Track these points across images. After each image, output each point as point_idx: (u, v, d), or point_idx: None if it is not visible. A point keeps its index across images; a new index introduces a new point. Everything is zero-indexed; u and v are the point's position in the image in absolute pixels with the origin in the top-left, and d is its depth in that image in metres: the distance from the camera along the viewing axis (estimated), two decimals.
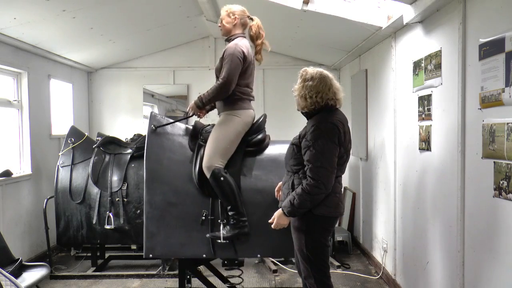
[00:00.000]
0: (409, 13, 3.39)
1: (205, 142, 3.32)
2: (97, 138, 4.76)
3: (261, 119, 3.46)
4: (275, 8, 4.40)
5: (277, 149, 3.43)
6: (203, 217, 3.26)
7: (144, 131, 5.84)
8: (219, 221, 3.25)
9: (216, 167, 3.19)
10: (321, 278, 2.72)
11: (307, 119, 2.77)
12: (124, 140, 5.00)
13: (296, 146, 2.73)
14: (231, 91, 3.22)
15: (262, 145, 3.41)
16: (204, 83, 6.61)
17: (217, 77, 3.30)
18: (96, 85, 6.81)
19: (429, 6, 3.06)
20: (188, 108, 3.39)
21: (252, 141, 3.38)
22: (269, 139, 3.49)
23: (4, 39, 4.44)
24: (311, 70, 2.74)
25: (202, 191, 3.29)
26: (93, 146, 4.60)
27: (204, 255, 3.31)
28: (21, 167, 4.95)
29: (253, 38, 3.38)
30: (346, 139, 2.69)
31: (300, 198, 2.58)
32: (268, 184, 3.29)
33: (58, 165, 4.55)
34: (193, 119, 3.67)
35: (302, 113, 2.78)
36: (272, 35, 5.96)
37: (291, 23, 4.93)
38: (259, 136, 3.40)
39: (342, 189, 2.86)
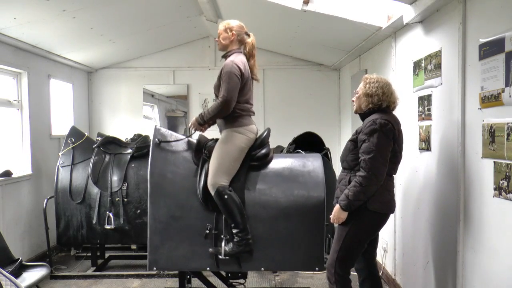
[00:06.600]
0: (409, 13, 3.39)
1: (209, 156, 3.31)
2: (97, 138, 4.76)
3: (265, 133, 3.46)
4: (275, 8, 4.40)
5: (281, 163, 3.45)
6: (207, 231, 3.26)
7: (144, 131, 5.90)
8: (221, 236, 3.25)
9: (220, 185, 3.18)
10: (342, 272, 2.82)
11: (363, 120, 2.92)
12: (124, 140, 5.00)
13: (353, 142, 2.86)
14: (232, 108, 3.21)
15: (266, 159, 3.42)
16: (204, 83, 6.63)
17: (216, 96, 3.29)
18: (96, 85, 6.81)
19: (429, 6, 3.06)
20: (190, 124, 3.39)
21: (256, 156, 3.38)
22: (273, 153, 3.51)
23: (4, 39, 4.44)
24: (375, 75, 2.97)
25: (206, 206, 3.29)
26: (93, 146, 4.60)
27: (207, 268, 3.34)
28: (21, 167, 4.95)
29: (247, 57, 3.37)
30: (400, 137, 2.86)
31: (354, 191, 2.73)
32: (271, 199, 3.30)
33: (58, 165, 4.55)
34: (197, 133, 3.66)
35: (360, 114, 2.95)
36: (272, 35, 5.99)
37: (291, 23, 4.92)
38: (263, 151, 3.40)
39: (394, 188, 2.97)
